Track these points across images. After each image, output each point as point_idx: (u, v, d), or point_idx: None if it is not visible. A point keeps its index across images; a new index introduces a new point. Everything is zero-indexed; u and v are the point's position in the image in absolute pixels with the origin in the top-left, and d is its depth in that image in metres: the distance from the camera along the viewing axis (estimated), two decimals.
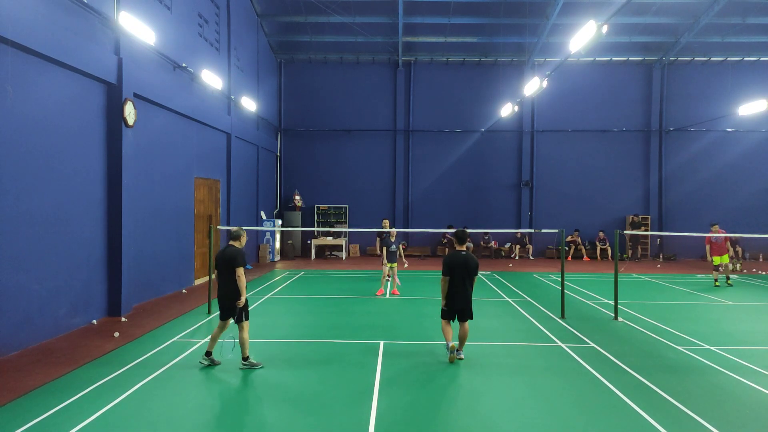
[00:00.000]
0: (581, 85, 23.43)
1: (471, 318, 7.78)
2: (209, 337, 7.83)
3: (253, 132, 19.79)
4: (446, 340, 7.75)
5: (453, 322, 7.85)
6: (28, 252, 8.14)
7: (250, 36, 19.94)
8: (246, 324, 7.34)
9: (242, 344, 7.30)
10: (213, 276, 7.62)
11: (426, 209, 23.72)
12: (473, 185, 23.82)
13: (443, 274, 7.68)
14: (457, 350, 7.72)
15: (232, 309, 7.31)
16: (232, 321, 7.44)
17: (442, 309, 7.84)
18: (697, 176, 23.40)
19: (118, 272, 10.44)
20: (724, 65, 23.18)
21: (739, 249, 20.07)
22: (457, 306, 7.66)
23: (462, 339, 7.79)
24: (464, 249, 7.74)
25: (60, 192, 8.94)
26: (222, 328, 7.47)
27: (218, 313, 7.55)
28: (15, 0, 7.68)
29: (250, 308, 11.33)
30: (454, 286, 7.62)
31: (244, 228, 15.02)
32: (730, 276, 15.77)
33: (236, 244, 7.48)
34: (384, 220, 15.44)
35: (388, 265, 13.32)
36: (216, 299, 7.57)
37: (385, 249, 13.46)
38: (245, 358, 7.30)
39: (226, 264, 7.24)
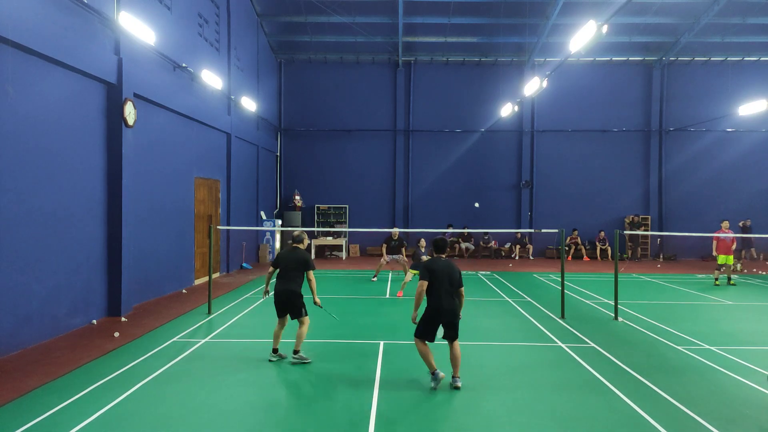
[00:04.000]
0: (581, 85, 23.42)
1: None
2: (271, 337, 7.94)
3: (253, 132, 19.79)
4: (429, 366, 6.54)
5: (431, 342, 6.62)
6: (28, 252, 8.14)
7: (250, 36, 19.94)
8: (306, 319, 7.68)
9: (298, 338, 7.58)
10: (270, 272, 8.03)
11: (426, 209, 23.72)
12: (473, 185, 23.80)
13: (421, 278, 6.60)
14: (453, 377, 6.56)
15: (292, 306, 7.61)
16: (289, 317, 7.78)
17: (417, 327, 6.63)
18: (697, 176, 23.39)
19: (118, 272, 10.44)
20: (724, 65, 23.18)
21: (752, 250, 19.73)
22: (443, 318, 6.50)
23: (456, 362, 6.61)
24: (443, 257, 6.84)
25: (60, 192, 8.94)
26: (282, 324, 7.76)
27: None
28: (15, 0, 7.68)
29: (251, 308, 11.40)
30: (436, 294, 6.50)
31: (243, 228, 15.11)
32: (732, 276, 15.76)
33: (301, 246, 7.87)
34: (394, 228, 15.44)
35: (412, 272, 13.09)
36: (273, 299, 7.80)
37: (405, 256, 13.15)
38: (296, 352, 7.52)
39: (297, 265, 7.62)
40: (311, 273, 7.68)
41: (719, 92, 23.15)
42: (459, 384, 6.49)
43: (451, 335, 6.62)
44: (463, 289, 6.73)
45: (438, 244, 6.93)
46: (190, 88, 14.20)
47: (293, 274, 7.62)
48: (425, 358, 6.57)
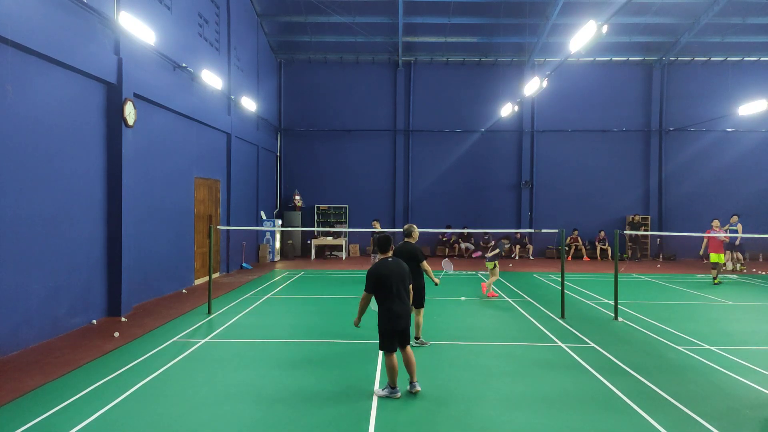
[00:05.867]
0: (581, 85, 23.42)
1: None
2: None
3: (253, 132, 19.79)
4: (391, 383, 6.19)
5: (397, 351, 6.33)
6: (28, 252, 8.14)
7: (250, 36, 19.94)
8: (422, 309, 8.41)
9: (417, 326, 8.37)
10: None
11: (426, 209, 23.71)
12: (473, 185, 23.81)
13: (365, 290, 6.22)
14: (410, 382, 6.29)
15: (416, 296, 8.15)
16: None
17: (380, 342, 6.22)
18: (697, 176, 23.38)
19: (118, 272, 10.44)
20: (724, 65, 23.18)
21: (738, 254, 19.49)
22: (403, 324, 6.14)
23: (411, 367, 6.31)
24: (390, 256, 6.36)
25: (60, 192, 8.94)
26: (417, 313, 8.41)
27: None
28: (15, 0, 7.68)
29: (251, 308, 11.40)
30: (390, 300, 6.11)
31: (243, 228, 15.10)
32: (719, 276, 15.80)
33: (410, 240, 8.34)
34: (374, 221, 15.57)
35: (490, 265, 13.13)
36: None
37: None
38: (417, 338, 8.39)
39: (408, 257, 7.97)
40: (424, 263, 8.13)
41: (719, 92, 23.14)
42: (418, 388, 6.24)
43: (402, 342, 6.31)
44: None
45: (379, 243, 6.39)
46: (190, 88, 14.20)
47: (408, 265, 8.27)
48: (390, 372, 6.20)
